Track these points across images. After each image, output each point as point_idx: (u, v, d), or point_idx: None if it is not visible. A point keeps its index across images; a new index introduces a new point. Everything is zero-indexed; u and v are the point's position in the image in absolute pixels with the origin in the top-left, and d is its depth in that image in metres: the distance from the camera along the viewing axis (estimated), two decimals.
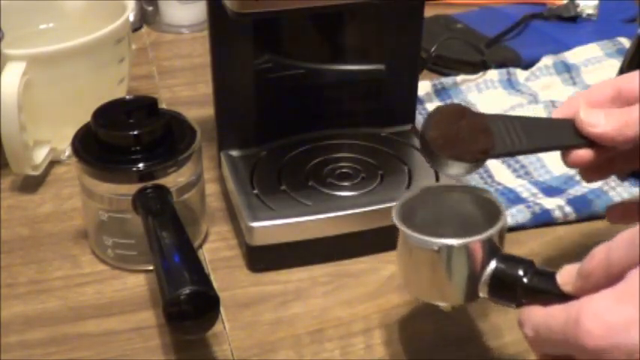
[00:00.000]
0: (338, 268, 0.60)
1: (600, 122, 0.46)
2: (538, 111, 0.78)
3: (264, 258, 0.59)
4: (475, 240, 0.45)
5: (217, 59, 0.63)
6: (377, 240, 0.60)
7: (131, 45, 0.77)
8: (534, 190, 0.67)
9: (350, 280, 0.59)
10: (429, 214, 0.49)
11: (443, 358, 0.52)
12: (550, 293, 0.43)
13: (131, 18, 0.78)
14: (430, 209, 0.49)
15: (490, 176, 0.70)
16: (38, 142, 0.71)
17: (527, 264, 0.45)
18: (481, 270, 0.45)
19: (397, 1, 0.64)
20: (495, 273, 0.45)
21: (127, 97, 0.63)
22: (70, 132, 0.59)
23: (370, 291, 0.58)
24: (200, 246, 0.63)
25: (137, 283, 0.59)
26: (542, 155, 0.71)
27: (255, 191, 0.62)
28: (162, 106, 0.62)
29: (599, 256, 0.40)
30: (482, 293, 0.46)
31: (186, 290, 0.45)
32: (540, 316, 0.41)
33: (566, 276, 0.43)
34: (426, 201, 0.50)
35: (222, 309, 0.54)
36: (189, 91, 0.88)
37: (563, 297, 0.42)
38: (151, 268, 0.56)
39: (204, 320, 0.47)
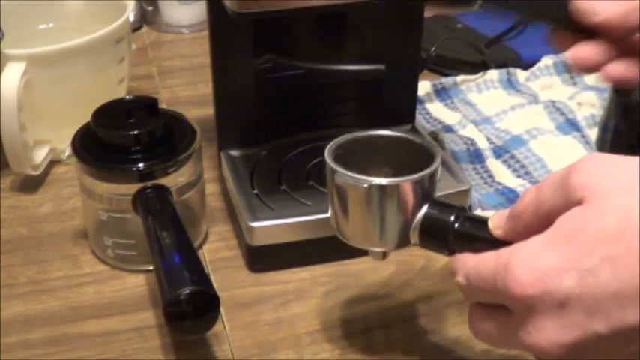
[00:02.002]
0: (338, 268, 0.60)
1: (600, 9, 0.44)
2: (538, 111, 0.78)
3: (264, 258, 0.59)
4: (406, 180, 0.45)
5: (217, 59, 0.63)
6: None
7: (131, 45, 0.77)
8: None
9: (350, 280, 0.59)
10: (363, 158, 0.49)
11: (443, 358, 0.52)
12: (482, 239, 0.42)
13: (131, 18, 0.78)
14: (365, 154, 0.49)
15: (490, 176, 0.70)
16: (38, 142, 0.71)
17: (459, 210, 0.44)
18: (412, 214, 0.45)
19: (397, 1, 0.64)
20: (426, 218, 0.45)
21: (127, 97, 0.63)
22: (70, 132, 0.59)
23: (370, 291, 0.58)
24: (200, 246, 0.63)
25: (137, 283, 0.59)
26: (543, 155, 0.71)
27: (255, 191, 0.62)
28: (163, 106, 0.62)
29: (528, 197, 0.39)
30: (414, 239, 0.46)
31: (186, 290, 0.45)
32: (471, 262, 0.40)
33: (497, 220, 0.41)
34: (360, 146, 0.49)
35: (222, 309, 0.54)
36: (189, 91, 0.88)
37: (496, 243, 0.40)
38: (150, 268, 0.56)
39: (204, 320, 0.47)
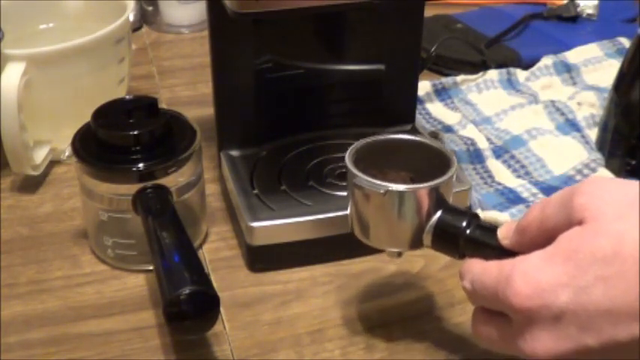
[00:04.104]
0: (338, 268, 0.60)
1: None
2: (538, 111, 0.78)
3: (264, 258, 0.59)
4: (422, 187, 0.46)
5: (217, 59, 0.63)
6: None
7: (131, 45, 0.77)
8: (534, 190, 0.67)
9: (350, 280, 0.59)
10: (382, 161, 0.50)
11: (443, 358, 0.52)
12: (491, 247, 0.44)
13: (131, 18, 0.78)
14: (384, 157, 0.50)
15: (490, 176, 0.70)
16: (38, 142, 0.71)
17: (471, 216, 0.46)
18: (426, 218, 0.47)
19: (397, 1, 0.64)
20: (439, 223, 0.46)
21: (127, 97, 0.63)
22: (70, 132, 0.59)
23: (370, 291, 0.58)
24: (200, 246, 0.63)
25: (137, 283, 0.59)
26: (543, 155, 0.71)
27: (255, 191, 0.62)
28: (163, 106, 0.62)
29: (534, 212, 0.41)
30: (426, 242, 0.47)
31: (186, 290, 0.45)
32: (477, 270, 0.42)
33: (505, 230, 0.44)
34: (380, 149, 0.51)
35: (222, 309, 0.54)
36: (189, 91, 0.88)
37: (503, 252, 0.42)
38: (151, 268, 0.56)
39: (204, 320, 0.47)
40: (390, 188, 0.46)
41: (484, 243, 0.45)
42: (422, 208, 0.46)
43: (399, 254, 0.50)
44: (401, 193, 0.46)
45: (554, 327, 0.37)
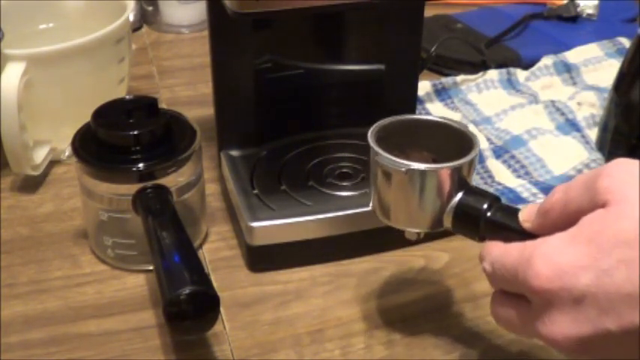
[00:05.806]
0: (338, 268, 0.60)
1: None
2: (538, 111, 0.78)
3: (264, 258, 0.59)
4: (444, 167, 0.46)
5: (217, 59, 0.63)
6: (377, 240, 0.60)
7: (131, 45, 0.77)
8: (534, 190, 0.67)
9: (350, 280, 0.59)
10: (404, 141, 0.50)
11: (443, 358, 0.52)
12: (512, 230, 0.43)
13: (131, 18, 0.78)
14: (406, 137, 0.50)
15: (490, 176, 0.70)
16: (38, 142, 0.71)
17: (492, 199, 0.46)
18: (447, 199, 0.47)
19: (397, 1, 0.64)
20: (460, 204, 0.46)
21: (127, 97, 0.63)
22: (70, 132, 0.59)
23: (370, 291, 0.58)
24: (200, 246, 0.63)
25: (137, 283, 0.59)
26: (543, 155, 0.71)
27: (255, 191, 0.62)
28: (162, 106, 0.62)
29: (557, 194, 0.41)
30: (447, 223, 0.47)
31: (186, 290, 0.45)
32: (497, 252, 0.42)
33: (527, 213, 0.43)
34: (402, 129, 0.51)
35: (222, 309, 0.54)
36: (189, 91, 0.88)
37: (524, 235, 0.42)
38: (151, 268, 0.56)
39: (204, 320, 0.47)
40: (411, 167, 0.46)
41: (505, 225, 0.44)
42: (443, 188, 0.46)
43: (419, 234, 0.50)
44: (423, 172, 0.46)
45: (573, 310, 0.37)
